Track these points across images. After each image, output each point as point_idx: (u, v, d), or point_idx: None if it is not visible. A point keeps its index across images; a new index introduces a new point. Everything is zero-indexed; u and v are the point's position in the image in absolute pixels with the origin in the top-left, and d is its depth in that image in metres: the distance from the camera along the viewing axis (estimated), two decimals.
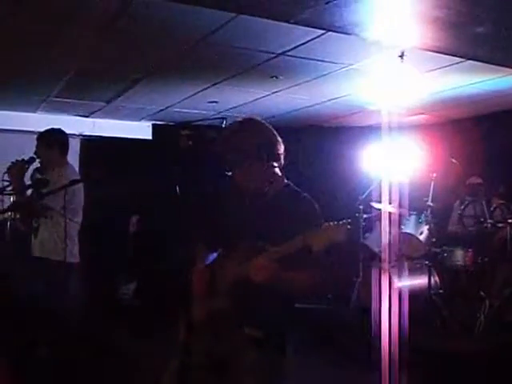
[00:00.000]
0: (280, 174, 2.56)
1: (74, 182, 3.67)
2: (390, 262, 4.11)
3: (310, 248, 2.14)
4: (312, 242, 2.14)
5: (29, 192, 4.20)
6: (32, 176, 4.40)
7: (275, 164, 2.51)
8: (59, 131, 4.46)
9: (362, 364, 3.83)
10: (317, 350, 5.33)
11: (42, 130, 4.50)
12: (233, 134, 2.52)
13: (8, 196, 4.66)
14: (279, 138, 2.52)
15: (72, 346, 4.07)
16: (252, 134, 2.48)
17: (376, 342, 3.76)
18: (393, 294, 3.93)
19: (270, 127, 2.54)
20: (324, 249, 2.14)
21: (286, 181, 2.58)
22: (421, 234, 6.21)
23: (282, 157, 2.53)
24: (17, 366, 3.78)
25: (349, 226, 2.12)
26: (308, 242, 2.15)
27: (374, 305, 4.00)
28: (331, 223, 2.14)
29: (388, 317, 3.78)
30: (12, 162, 4.16)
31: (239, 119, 2.57)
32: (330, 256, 2.18)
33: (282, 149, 2.52)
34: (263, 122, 2.56)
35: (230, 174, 2.50)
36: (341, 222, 2.13)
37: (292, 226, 2.25)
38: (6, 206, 5.04)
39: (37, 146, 4.38)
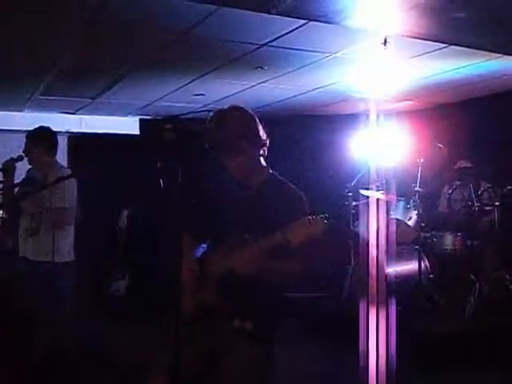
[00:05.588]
0: (264, 163, 2.57)
1: (59, 180, 3.66)
2: (379, 249, 4.14)
3: (290, 242, 2.19)
4: (290, 236, 2.19)
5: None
6: (27, 174, 4.43)
7: (260, 152, 2.51)
8: (47, 130, 4.47)
9: (353, 350, 3.87)
10: (310, 337, 5.38)
11: (30, 128, 4.50)
12: (218, 121, 2.49)
13: None
14: (261, 127, 2.53)
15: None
16: (237, 121, 2.46)
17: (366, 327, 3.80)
18: (382, 279, 3.96)
19: (254, 115, 2.53)
20: (302, 243, 2.18)
21: (270, 171, 2.58)
22: (409, 219, 6.25)
23: (266, 145, 2.53)
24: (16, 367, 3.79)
25: (325, 221, 2.16)
26: (286, 236, 2.20)
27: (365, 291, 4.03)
28: (309, 217, 2.18)
29: (377, 303, 3.82)
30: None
31: (224, 107, 2.55)
32: (309, 249, 2.22)
33: (265, 137, 2.52)
34: (247, 109, 2.55)
35: (217, 162, 2.49)
36: (318, 217, 2.17)
37: (277, 217, 2.28)
38: None
39: (25, 144, 4.39)
